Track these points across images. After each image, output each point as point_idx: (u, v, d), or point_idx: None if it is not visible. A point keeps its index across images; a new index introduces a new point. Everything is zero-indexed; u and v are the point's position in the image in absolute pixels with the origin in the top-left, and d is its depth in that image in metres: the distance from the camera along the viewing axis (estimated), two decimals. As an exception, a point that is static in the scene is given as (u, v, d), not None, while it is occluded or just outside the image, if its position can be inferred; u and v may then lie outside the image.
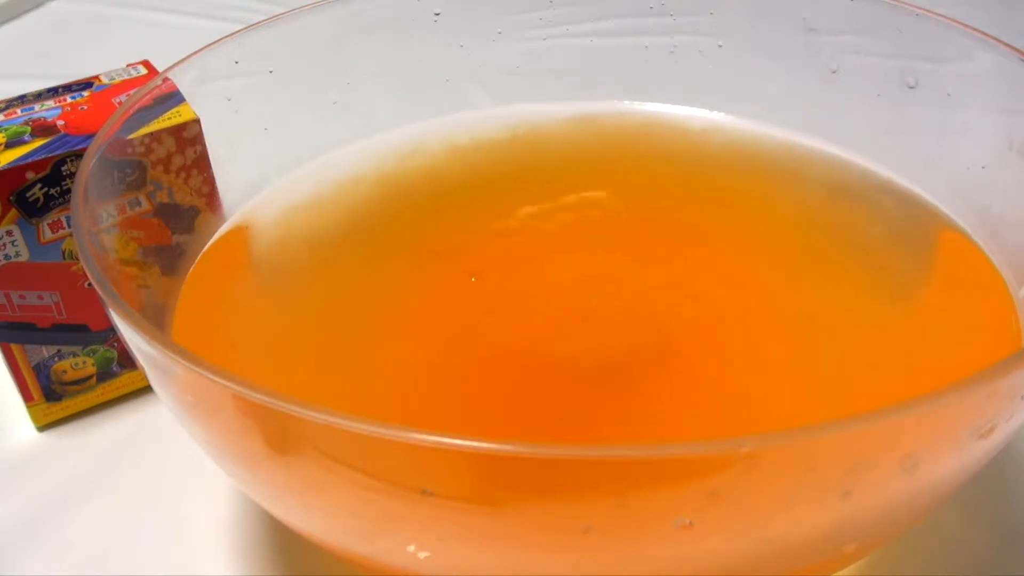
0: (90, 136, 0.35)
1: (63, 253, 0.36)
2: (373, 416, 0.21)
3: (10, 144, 0.35)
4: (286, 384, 0.30)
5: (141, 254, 0.35)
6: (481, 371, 0.32)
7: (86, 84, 0.39)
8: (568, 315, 0.35)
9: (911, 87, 0.39)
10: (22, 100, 0.38)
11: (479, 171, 0.42)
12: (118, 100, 0.37)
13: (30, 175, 0.35)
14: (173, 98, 0.36)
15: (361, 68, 0.44)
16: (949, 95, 0.39)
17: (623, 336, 0.33)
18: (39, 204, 0.35)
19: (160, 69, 0.38)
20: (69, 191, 0.35)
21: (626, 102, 0.45)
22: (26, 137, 0.35)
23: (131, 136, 0.34)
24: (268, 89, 0.41)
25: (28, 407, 0.39)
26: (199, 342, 0.33)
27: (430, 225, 0.39)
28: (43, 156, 0.34)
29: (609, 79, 0.46)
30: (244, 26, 0.39)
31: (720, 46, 0.45)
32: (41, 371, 0.38)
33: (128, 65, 0.40)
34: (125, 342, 0.26)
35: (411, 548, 0.25)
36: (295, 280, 0.37)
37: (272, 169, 0.41)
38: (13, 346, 0.37)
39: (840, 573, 0.31)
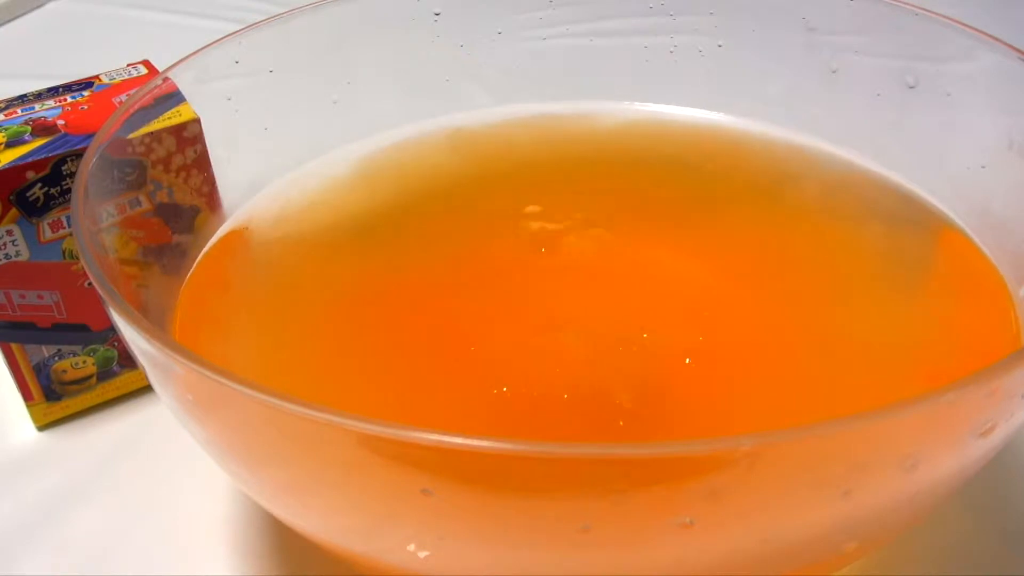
0: (90, 136, 0.35)
1: (63, 253, 0.36)
2: (373, 415, 0.21)
3: (10, 144, 0.35)
4: (286, 383, 0.30)
5: (141, 254, 0.35)
6: (482, 370, 0.32)
7: (86, 84, 0.39)
8: (569, 317, 0.35)
9: (911, 87, 0.39)
10: (22, 100, 0.38)
11: (479, 171, 0.42)
12: (118, 100, 0.37)
13: (30, 175, 0.35)
14: (173, 98, 0.36)
15: (361, 68, 0.44)
16: (949, 95, 0.39)
17: (624, 335, 0.33)
18: (39, 203, 0.35)
19: (160, 69, 0.38)
20: (69, 191, 0.35)
21: (626, 102, 0.45)
22: (26, 137, 0.35)
23: (131, 136, 0.34)
24: (268, 89, 0.41)
25: (28, 407, 0.39)
26: (199, 342, 0.33)
27: (430, 225, 0.39)
28: (43, 156, 0.35)
29: (609, 79, 0.46)
30: (244, 26, 0.39)
31: (720, 46, 0.45)
32: (41, 371, 0.38)
33: (128, 65, 0.40)
34: (125, 341, 0.26)
35: (411, 548, 0.25)
36: (295, 280, 0.37)
37: (272, 169, 0.41)
38: (13, 346, 0.37)
39: (840, 573, 0.31)
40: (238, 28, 0.39)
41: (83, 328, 0.38)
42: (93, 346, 0.39)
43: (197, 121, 0.36)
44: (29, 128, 0.36)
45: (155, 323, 0.31)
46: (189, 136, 0.36)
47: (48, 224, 0.36)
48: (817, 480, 0.22)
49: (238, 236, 0.39)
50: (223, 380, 0.22)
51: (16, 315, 0.37)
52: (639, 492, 0.22)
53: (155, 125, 0.35)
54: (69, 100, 0.37)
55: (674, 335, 0.33)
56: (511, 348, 0.33)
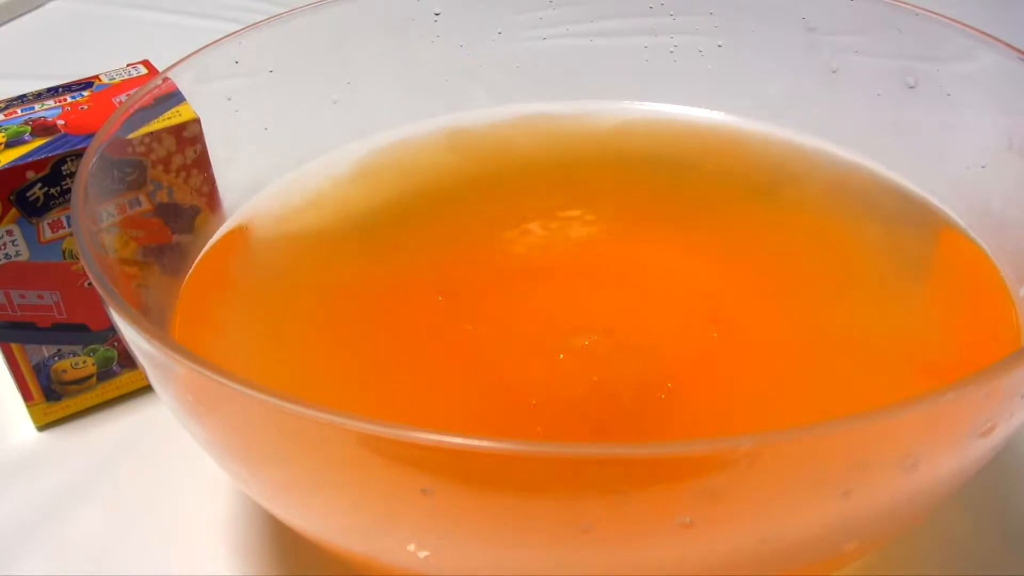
0: (90, 136, 0.35)
1: (63, 252, 0.36)
2: (373, 415, 0.21)
3: (10, 144, 0.35)
4: (286, 383, 0.30)
5: (141, 253, 0.35)
6: (482, 369, 0.32)
7: (86, 84, 0.39)
8: (569, 316, 0.35)
9: (911, 87, 0.39)
10: (22, 100, 0.38)
11: (479, 171, 0.42)
12: (118, 100, 0.37)
13: (30, 175, 0.35)
14: (173, 98, 0.36)
15: (361, 68, 0.44)
16: (949, 95, 0.39)
17: (624, 335, 0.33)
18: (39, 203, 0.35)
19: (160, 69, 0.38)
20: (69, 191, 0.35)
21: (626, 102, 0.45)
22: (26, 137, 0.35)
23: (131, 136, 0.34)
24: (268, 89, 0.41)
25: (28, 407, 0.39)
26: (199, 342, 0.33)
27: (430, 225, 0.39)
28: (43, 156, 0.34)
29: (609, 79, 0.46)
30: (244, 26, 0.39)
31: (720, 46, 0.45)
32: (41, 371, 0.38)
33: (128, 65, 0.40)
34: (125, 341, 0.26)
35: (411, 547, 0.25)
36: (295, 280, 0.37)
37: (272, 169, 0.41)
38: (13, 346, 0.37)
39: (840, 572, 0.31)
40: (238, 28, 0.39)
41: (83, 328, 0.38)
42: (93, 346, 0.39)
43: (197, 121, 0.36)
44: (29, 128, 0.36)
45: (155, 323, 0.31)
46: (189, 136, 0.36)
47: (48, 224, 0.36)
48: (817, 480, 0.22)
49: (238, 236, 0.39)
50: (223, 380, 0.22)
51: (16, 315, 0.37)
52: (639, 492, 0.22)
53: (155, 125, 0.35)
54: (69, 100, 0.37)
55: (674, 335, 0.33)
56: (511, 348, 0.33)
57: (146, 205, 0.35)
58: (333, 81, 0.43)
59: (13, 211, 0.35)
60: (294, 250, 0.38)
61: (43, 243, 0.36)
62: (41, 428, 0.40)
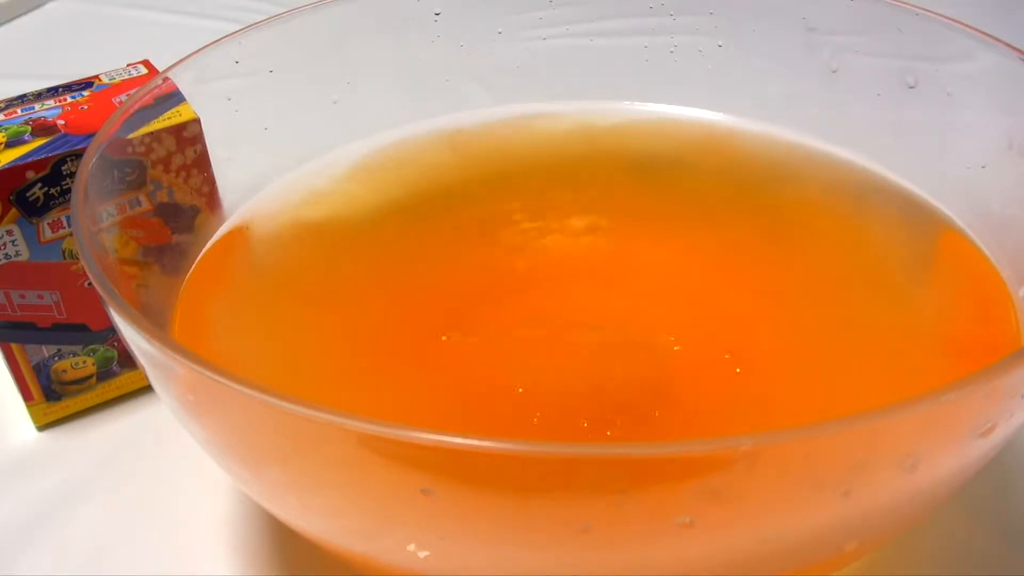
0: (90, 136, 0.35)
1: (63, 252, 0.36)
2: (373, 415, 0.21)
3: (10, 144, 0.35)
4: (286, 383, 0.30)
5: (141, 253, 0.35)
6: (482, 369, 0.33)
7: (86, 84, 0.39)
8: (569, 316, 0.35)
9: (911, 87, 0.39)
10: (22, 100, 0.38)
11: (479, 171, 0.42)
12: (118, 100, 0.37)
13: (30, 175, 0.35)
14: (173, 98, 0.36)
15: (361, 68, 0.44)
16: (949, 95, 0.39)
17: (625, 335, 0.33)
18: (39, 203, 0.35)
19: (160, 69, 0.38)
20: (69, 191, 0.35)
21: (626, 102, 0.45)
22: (26, 137, 0.35)
23: (131, 135, 0.34)
24: (268, 89, 0.41)
25: (28, 407, 0.39)
26: (199, 341, 0.33)
27: (430, 225, 0.39)
28: (43, 156, 0.35)
29: (609, 79, 0.46)
30: (244, 26, 0.39)
31: (720, 46, 0.45)
32: (41, 371, 0.38)
33: (128, 65, 0.40)
34: (125, 341, 0.26)
35: (411, 547, 0.25)
36: (295, 279, 0.37)
37: (272, 169, 0.41)
38: (13, 346, 0.37)
39: (840, 572, 0.31)
40: (238, 28, 0.39)
41: (83, 328, 0.38)
42: (93, 346, 0.39)
43: (197, 121, 0.36)
44: (29, 128, 0.36)
45: (155, 323, 0.31)
46: (189, 136, 0.36)
47: (48, 224, 0.36)
48: (817, 480, 0.22)
49: (238, 236, 0.39)
50: (223, 380, 0.22)
51: (16, 315, 0.37)
52: (639, 492, 0.22)
53: (155, 125, 0.35)
54: (69, 100, 0.37)
55: (675, 335, 0.33)
56: (511, 348, 0.33)
57: (146, 205, 0.35)
58: (333, 81, 0.43)
59: (13, 211, 0.35)
60: (294, 250, 0.38)
61: (43, 243, 0.36)
62: (41, 428, 0.40)
